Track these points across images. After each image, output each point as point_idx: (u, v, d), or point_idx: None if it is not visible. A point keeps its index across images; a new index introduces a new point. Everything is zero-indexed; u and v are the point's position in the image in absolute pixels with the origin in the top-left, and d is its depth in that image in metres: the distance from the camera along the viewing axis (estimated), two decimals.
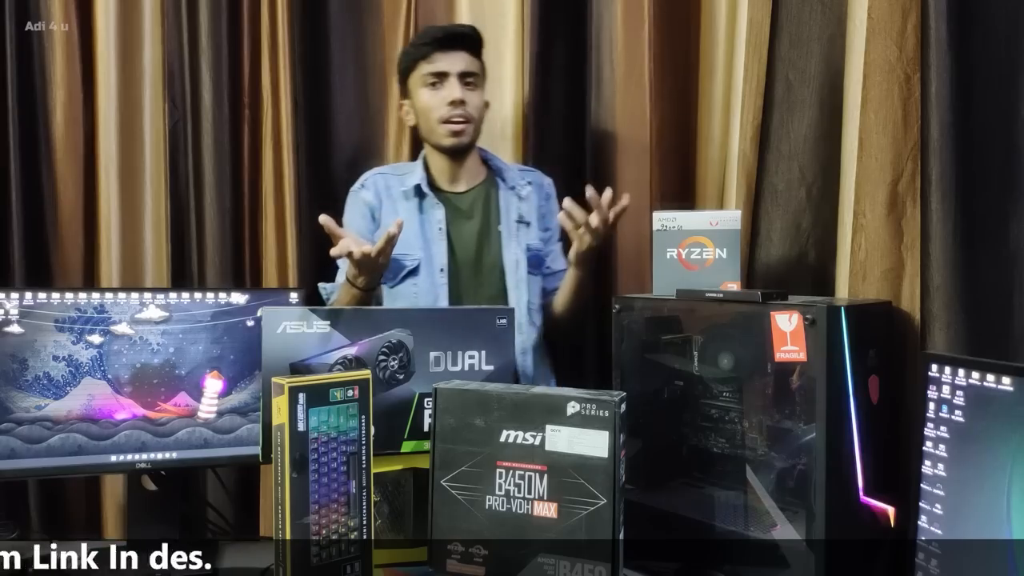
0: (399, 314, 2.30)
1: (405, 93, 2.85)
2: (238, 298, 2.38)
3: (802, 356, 1.90)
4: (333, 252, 2.45)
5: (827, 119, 2.46)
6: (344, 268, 2.69)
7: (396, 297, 2.80)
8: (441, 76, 2.73)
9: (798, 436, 1.91)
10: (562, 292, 2.81)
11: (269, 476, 2.18)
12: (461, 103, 2.73)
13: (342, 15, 3.22)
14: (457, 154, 2.82)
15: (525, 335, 2.79)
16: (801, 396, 1.91)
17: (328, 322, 2.16)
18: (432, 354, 2.24)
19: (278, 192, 3.09)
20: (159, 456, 2.32)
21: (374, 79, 3.24)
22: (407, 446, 2.22)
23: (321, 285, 2.84)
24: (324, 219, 2.44)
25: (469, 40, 2.78)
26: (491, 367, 2.28)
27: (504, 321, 2.28)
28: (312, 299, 2.71)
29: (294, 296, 2.44)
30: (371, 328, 2.20)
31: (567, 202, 2.48)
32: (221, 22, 3.08)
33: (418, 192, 2.81)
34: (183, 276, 3.10)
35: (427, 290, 2.76)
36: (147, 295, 2.32)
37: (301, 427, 1.87)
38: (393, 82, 3.17)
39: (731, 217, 2.37)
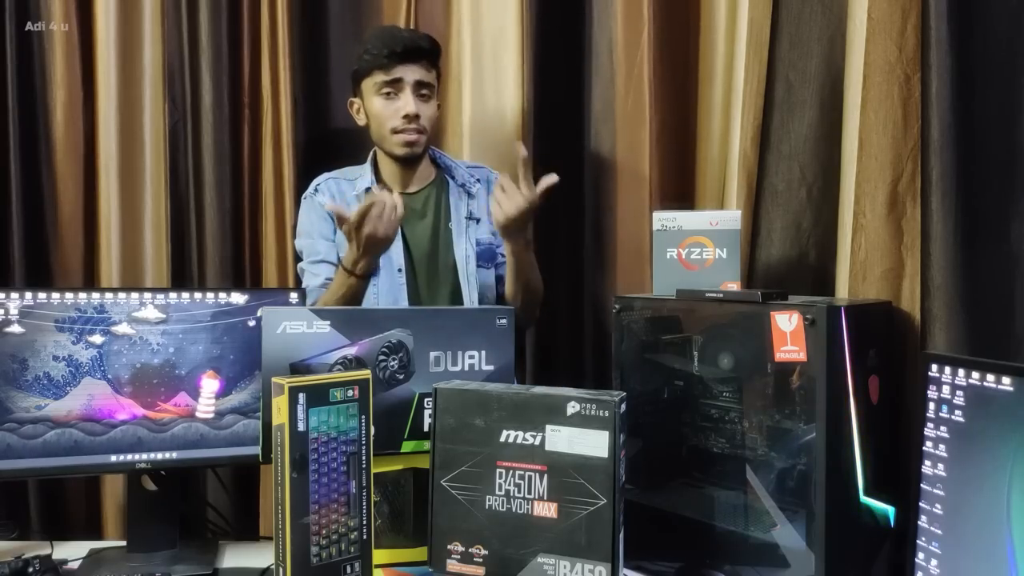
0: (399, 314, 2.30)
1: (356, 92, 2.86)
2: (238, 298, 2.38)
3: (802, 356, 1.90)
4: (346, 227, 2.47)
5: (827, 119, 2.46)
6: (322, 271, 2.75)
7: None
8: (396, 85, 2.74)
9: (798, 436, 1.91)
10: (507, 276, 2.80)
11: (269, 476, 2.18)
12: (416, 117, 2.74)
13: (342, 15, 3.22)
14: (409, 162, 2.84)
15: None
16: (801, 396, 1.91)
17: (328, 322, 2.16)
18: (432, 354, 2.24)
19: (278, 192, 3.09)
20: (159, 456, 2.32)
21: None
22: (407, 446, 2.22)
23: (306, 270, 2.83)
24: (331, 206, 2.46)
25: (427, 52, 2.78)
26: (491, 367, 2.28)
27: (504, 321, 2.28)
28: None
29: (294, 296, 2.44)
30: (371, 328, 2.20)
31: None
32: (221, 22, 3.08)
33: (367, 192, 2.81)
34: (183, 276, 3.10)
35: (387, 290, 2.77)
36: (147, 295, 2.32)
37: (301, 427, 1.87)
38: None
39: (731, 217, 2.37)
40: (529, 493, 1.93)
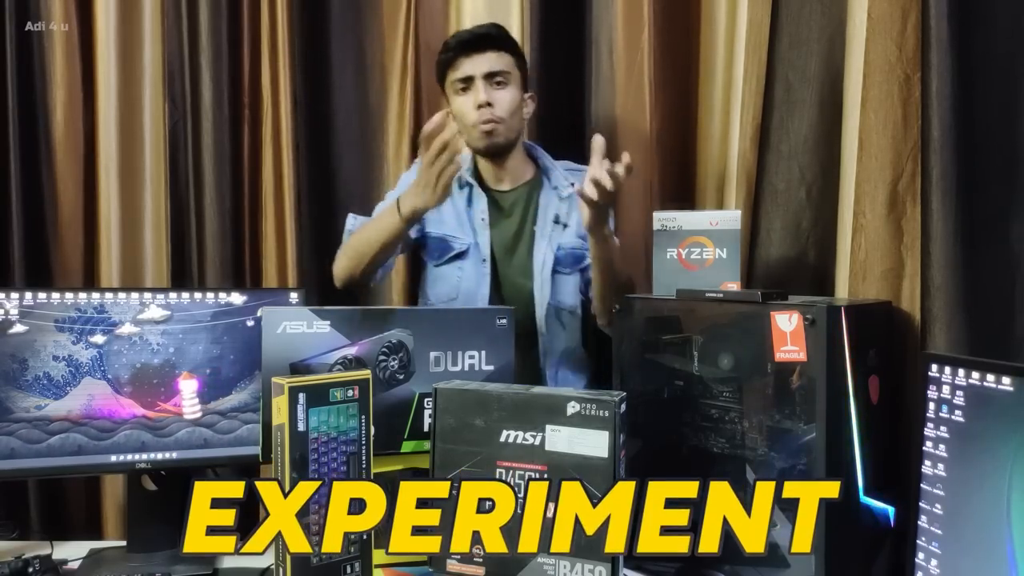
0: (399, 314, 2.30)
1: (448, 100, 2.84)
2: (238, 298, 2.38)
3: (802, 356, 1.90)
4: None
5: (827, 119, 2.46)
6: (380, 206, 2.75)
7: (439, 277, 2.84)
8: (468, 81, 2.73)
9: (798, 436, 1.91)
10: (593, 284, 2.73)
11: (269, 476, 2.18)
12: (488, 105, 2.71)
13: (342, 14, 3.22)
14: (495, 155, 2.82)
15: (548, 337, 2.81)
16: (801, 396, 1.91)
17: (328, 322, 2.16)
18: (432, 354, 2.24)
19: (278, 192, 3.10)
20: (159, 456, 2.32)
21: (374, 78, 3.25)
22: (407, 446, 2.22)
23: (351, 215, 2.85)
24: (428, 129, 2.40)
25: (493, 40, 2.75)
26: (491, 367, 2.28)
27: (504, 321, 2.29)
28: (312, 299, 2.71)
29: (294, 296, 2.43)
30: (371, 328, 2.20)
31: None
32: (221, 22, 3.08)
33: (460, 182, 2.83)
34: (183, 276, 3.10)
35: (471, 275, 2.79)
36: (147, 295, 2.32)
37: (301, 427, 1.87)
38: (392, 81, 3.19)
39: (731, 217, 2.36)
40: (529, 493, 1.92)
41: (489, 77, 2.72)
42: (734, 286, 2.31)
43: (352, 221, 2.83)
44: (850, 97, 2.33)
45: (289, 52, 3.06)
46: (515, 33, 3.04)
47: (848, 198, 2.30)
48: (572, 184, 2.84)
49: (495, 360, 2.28)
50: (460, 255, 2.80)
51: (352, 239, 2.72)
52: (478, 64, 2.71)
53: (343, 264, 2.71)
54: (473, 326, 2.28)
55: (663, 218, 2.40)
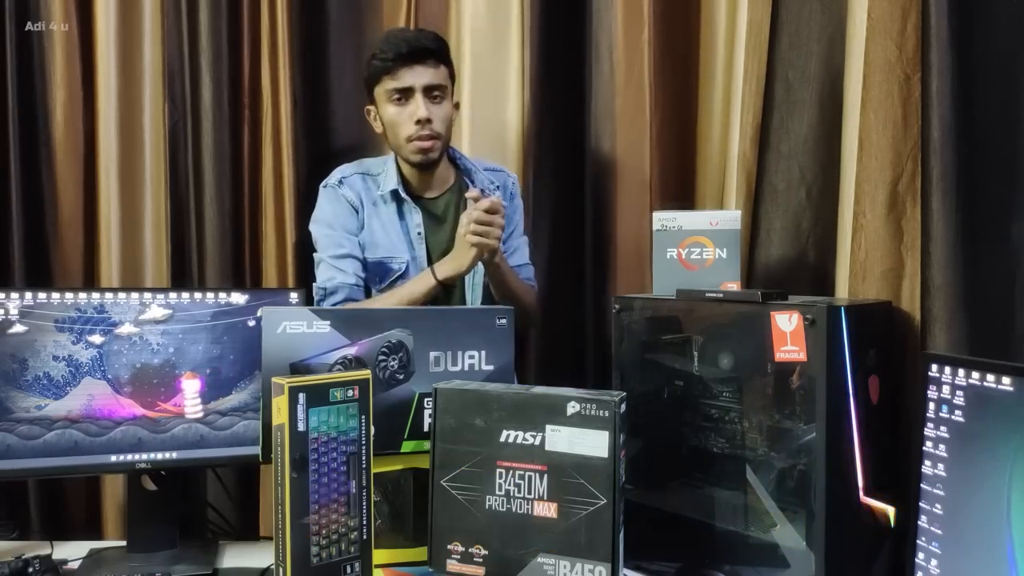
0: (399, 314, 2.30)
1: (371, 99, 2.83)
2: (238, 298, 2.38)
3: (802, 356, 1.90)
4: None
5: (827, 119, 2.46)
6: (350, 268, 2.75)
7: None
8: (406, 92, 2.70)
9: (798, 436, 1.91)
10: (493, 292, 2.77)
11: (269, 476, 2.17)
12: (428, 121, 2.69)
13: (342, 14, 3.21)
14: (426, 167, 2.80)
15: None
16: (801, 396, 1.91)
17: (328, 322, 2.16)
18: (432, 354, 2.24)
19: (278, 192, 3.09)
20: (159, 456, 2.32)
21: None
22: (407, 446, 2.22)
23: (316, 287, 2.81)
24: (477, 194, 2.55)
25: (434, 52, 2.73)
26: (491, 367, 2.28)
27: (504, 321, 2.29)
28: (312, 299, 2.71)
29: (294, 296, 2.44)
30: (371, 328, 2.20)
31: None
32: (221, 22, 3.07)
33: (395, 197, 2.81)
34: (183, 276, 3.09)
35: None
36: (147, 295, 2.32)
37: (301, 427, 1.87)
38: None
39: (731, 217, 2.37)
40: (529, 493, 1.93)
41: (428, 90, 2.71)
42: (734, 286, 2.32)
43: (322, 293, 2.78)
44: (850, 97, 2.33)
45: (289, 53, 3.05)
46: (515, 33, 3.05)
47: (848, 198, 2.30)
48: (497, 187, 2.89)
49: (495, 360, 2.28)
50: (401, 275, 2.77)
51: (378, 300, 2.73)
52: (419, 76, 2.70)
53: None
54: (473, 326, 2.28)
55: (663, 218, 2.40)
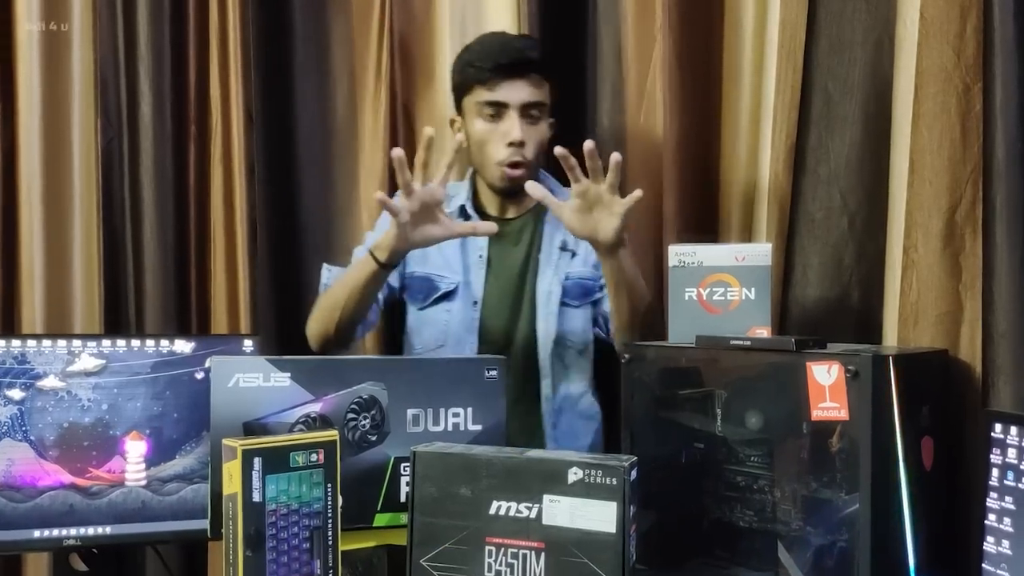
0: (371, 364, 2.31)
1: (458, 109, 2.83)
2: (183, 346, 2.40)
3: (843, 414, 1.91)
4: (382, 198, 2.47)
5: (873, 137, 2.47)
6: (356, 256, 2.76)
7: (425, 321, 2.85)
8: (500, 107, 2.72)
9: (838, 508, 1.93)
10: (611, 308, 2.71)
11: (219, 554, 2.19)
12: (521, 144, 2.70)
13: (304, 11, 3.22)
14: (509, 194, 2.83)
15: (551, 382, 2.81)
16: (842, 461, 1.92)
17: (288, 374, 2.17)
18: (410, 411, 2.24)
19: (229, 221, 3.09)
20: (90, 531, 2.33)
21: (341, 86, 3.25)
22: (380, 519, 2.23)
23: (326, 266, 2.86)
24: (380, 196, 2.48)
25: (540, 65, 2.74)
26: (479, 427, 2.28)
27: (494, 373, 2.29)
28: (269, 347, 2.72)
29: (248, 344, 2.45)
30: (338, 381, 2.21)
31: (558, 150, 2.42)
32: (163, 21, 3.09)
33: (462, 213, 2.84)
34: (118, 321, 3.10)
35: (460, 319, 2.80)
36: (76, 343, 2.33)
37: (256, 497, 1.88)
38: (365, 89, 3.19)
39: (760, 251, 2.37)
40: (524, 575, 1.94)
41: (524, 109, 2.71)
42: (764, 332, 2.32)
43: (327, 275, 2.84)
44: (899, 111, 2.35)
45: (242, 57, 3.06)
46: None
47: (897, 229, 2.32)
48: None
49: (483, 418, 2.29)
50: (447, 295, 2.81)
51: (325, 295, 2.74)
52: (517, 91, 2.70)
53: (316, 323, 2.72)
54: (458, 378, 2.28)
55: (681, 252, 2.41)
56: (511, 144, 2.70)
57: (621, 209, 2.39)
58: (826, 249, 2.54)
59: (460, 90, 2.79)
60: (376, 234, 2.79)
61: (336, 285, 2.68)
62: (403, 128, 3.17)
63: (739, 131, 2.89)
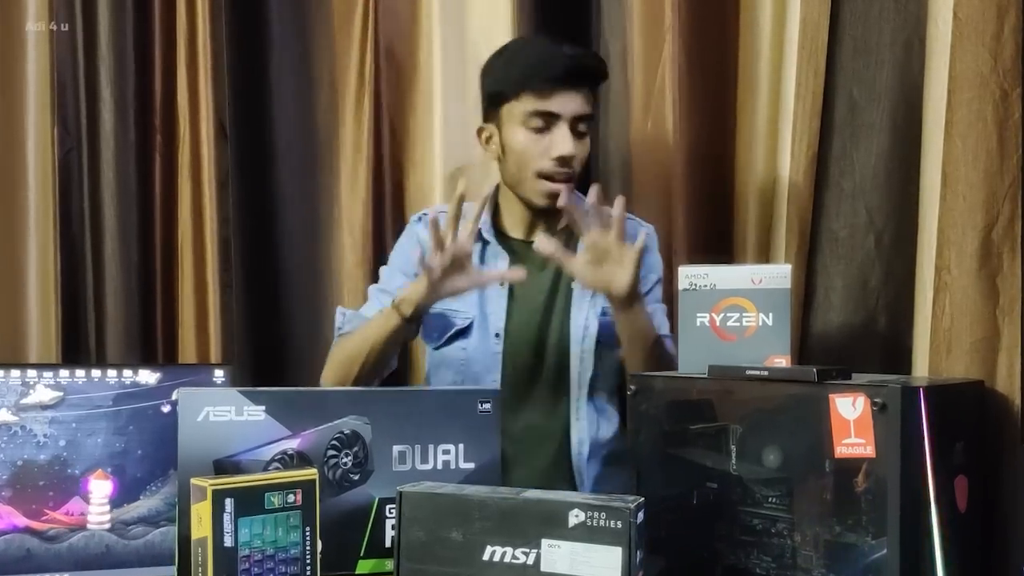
0: (353, 397, 2.30)
1: (491, 117, 2.80)
2: (147, 377, 2.39)
3: (869, 451, 1.91)
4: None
5: (901, 147, 2.48)
6: (375, 297, 2.79)
7: (442, 361, 2.85)
8: (550, 119, 2.68)
9: (864, 554, 1.92)
10: (624, 360, 2.73)
11: None
12: (570, 160, 2.67)
13: (280, 12, 3.23)
14: (545, 213, 2.80)
15: (587, 424, 2.81)
16: (868, 502, 1.91)
17: (263, 407, 2.16)
18: (396, 448, 2.24)
19: (198, 239, 3.10)
20: None
21: (321, 94, 3.26)
22: (364, 566, 2.22)
23: (340, 310, 2.86)
24: (426, 261, 2.51)
25: (594, 78, 2.74)
26: (471, 464, 2.28)
27: (488, 407, 2.29)
28: (242, 378, 2.72)
29: (219, 374, 2.44)
30: (318, 415, 2.20)
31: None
32: (125, 22, 3.09)
33: (479, 238, 2.78)
34: (77, 348, 3.10)
35: (478, 356, 2.80)
36: (31, 373, 2.33)
37: (228, 542, 1.87)
38: (347, 98, 3.19)
39: (779, 273, 2.37)
40: None
41: (574, 122, 2.68)
42: (782, 361, 2.33)
43: (341, 319, 2.83)
44: (931, 119, 2.34)
45: (212, 61, 3.07)
46: (503, 37, 3.04)
47: (928, 248, 2.31)
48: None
49: (476, 456, 2.28)
50: (462, 332, 2.80)
51: (341, 345, 2.75)
52: (571, 103, 2.67)
53: (333, 374, 2.73)
54: (448, 412, 2.27)
55: (692, 274, 2.41)
56: (559, 158, 2.66)
57: (632, 260, 2.42)
58: (851, 270, 2.54)
59: (500, 97, 2.74)
60: (391, 271, 2.83)
61: (357, 337, 2.69)
62: (387, 142, 3.18)
63: (756, 140, 2.90)
